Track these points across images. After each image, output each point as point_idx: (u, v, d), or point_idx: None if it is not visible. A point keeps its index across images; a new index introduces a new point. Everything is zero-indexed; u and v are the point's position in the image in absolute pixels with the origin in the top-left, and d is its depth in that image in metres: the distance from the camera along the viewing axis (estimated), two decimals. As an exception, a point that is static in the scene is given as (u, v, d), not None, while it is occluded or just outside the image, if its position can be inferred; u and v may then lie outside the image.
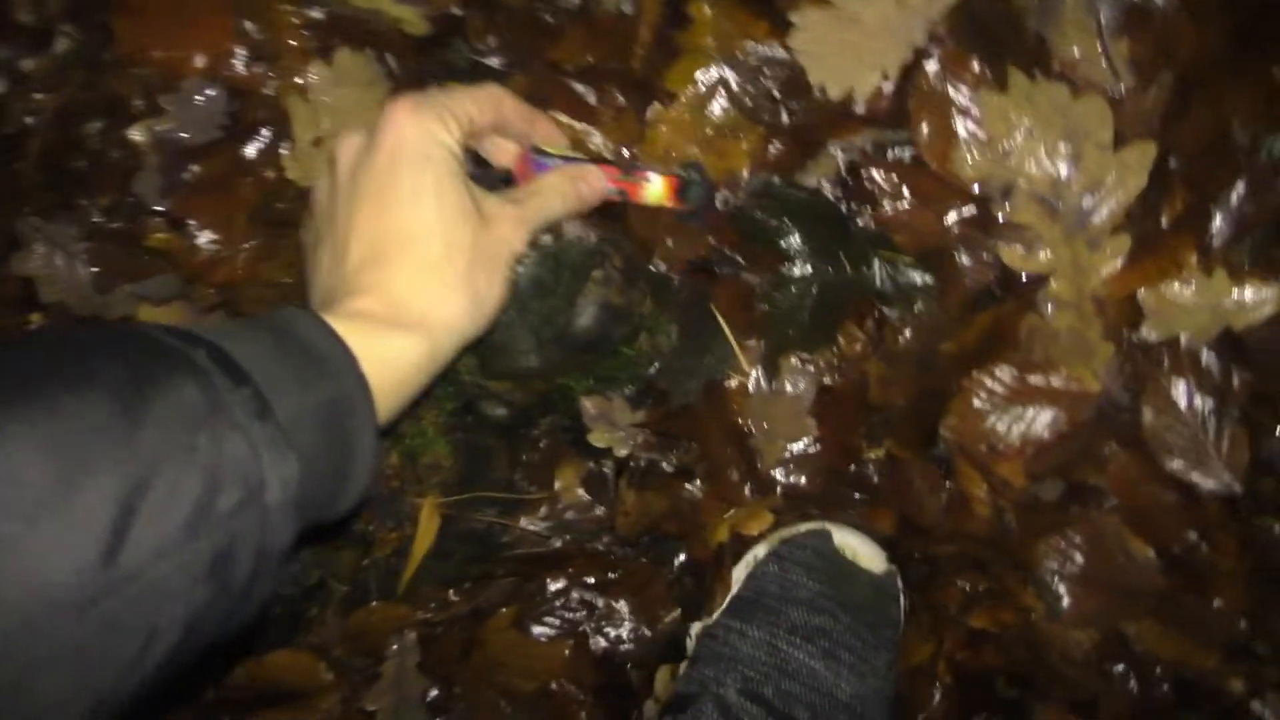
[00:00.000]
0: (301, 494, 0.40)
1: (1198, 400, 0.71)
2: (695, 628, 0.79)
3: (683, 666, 0.77)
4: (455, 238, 0.54)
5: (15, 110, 0.75)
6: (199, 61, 0.73)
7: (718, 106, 0.70)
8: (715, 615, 0.76)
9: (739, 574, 0.77)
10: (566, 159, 0.67)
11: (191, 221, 0.75)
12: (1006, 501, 0.73)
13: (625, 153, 0.71)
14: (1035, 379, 0.72)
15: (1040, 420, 0.73)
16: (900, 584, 0.78)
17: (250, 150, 0.75)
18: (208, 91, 0.74)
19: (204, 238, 0.75)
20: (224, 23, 0.72)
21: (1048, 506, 0.73)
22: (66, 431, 0.32)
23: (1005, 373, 0.72)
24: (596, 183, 0.65)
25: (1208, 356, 0.71)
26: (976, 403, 0.73)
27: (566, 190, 0.63)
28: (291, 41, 0.74)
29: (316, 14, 0.73)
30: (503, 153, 0.64)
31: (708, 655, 0.75)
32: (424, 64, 0.74)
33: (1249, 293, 0.68)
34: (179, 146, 0.74)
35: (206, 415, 0.37)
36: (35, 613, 0.31)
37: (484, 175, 0.66)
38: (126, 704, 0.36)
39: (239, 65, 0.74)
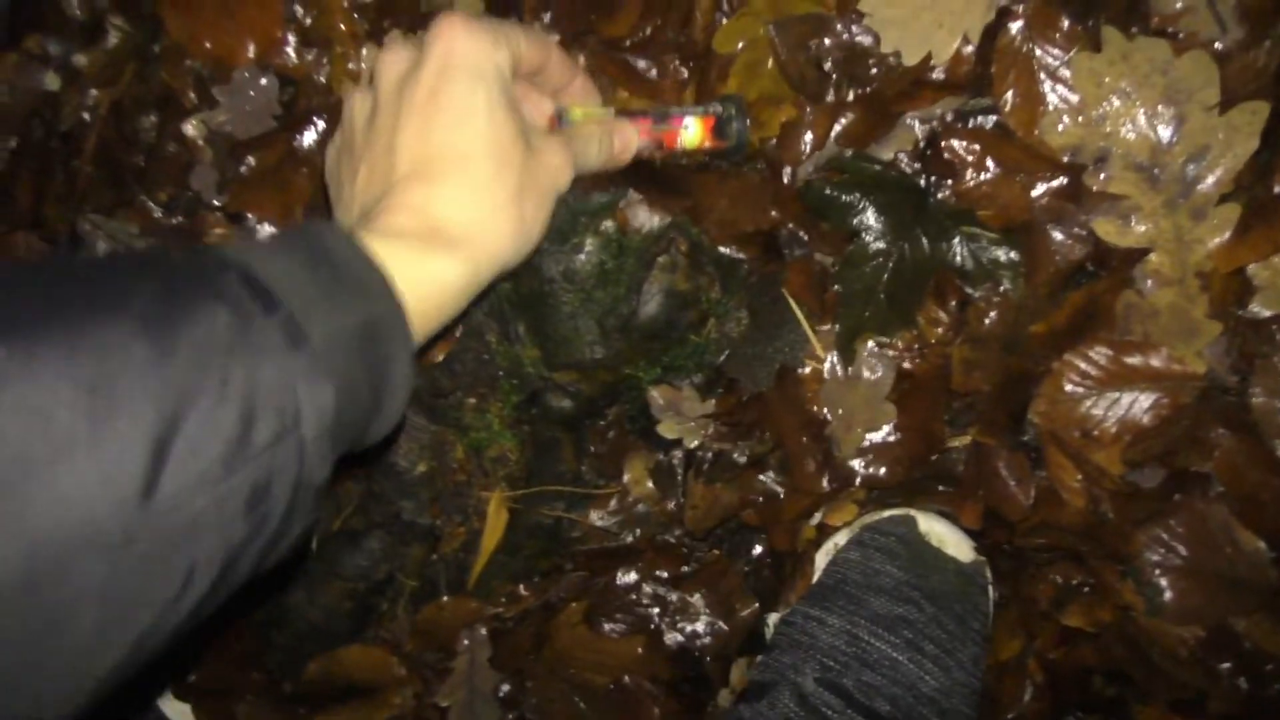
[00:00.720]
0: (338, 423, 0.39)
1: (1316, 383, 0.65)
2: (773, 617, 0.76)
3: (759, 656, 0.75)
4: (507, 158, 0.51)
5: (71, 107, 0.75)
6: (250, 50, 0.72)
7: (764, 73, 0.66)
8: (794, 604, 0.74)
9: (820, 561, 0.74)
10: (594, 118, 0.63)
11: (250, 215, 0.73)
12: (1102, 490, 0.69)
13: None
14: (1133, 359, 0.68)
15: (1139, 404, 0.68)
16: (989, 574, 0.74)
17: (305, 139, 0.73)
18: (261, 81, 0.72)
19: (263, 230, 0.74)
20: (273, 9, 0.71)
21: (1147, 495, 0.69)
22: (97, 360, 0.31)
23: (1100, 353, 0.68)
24: (630, 136, 0.62)
25: (1326, 333, 0.65)
26: (1069, 386, 0.68)
27: (604, 139, 0.60)
28: (342, 25, 0.71)
29: (366, -4, 0.70)
30: (537, 110, 0.61)
31: (785, 643, 0.72)
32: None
33: (1375, 263, 0.62)
34: (233, 139, 0.72)
35: (239, 343, 0.35)
36: (72, 551, 0.30)
37: None
38: (168, 639, 0.35)
39: (290, 53, 0.72)
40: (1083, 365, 0.68)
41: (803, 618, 0.72)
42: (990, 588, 0.74)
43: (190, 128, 0.71)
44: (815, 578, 0.74)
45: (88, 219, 0.76)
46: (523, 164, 0.51)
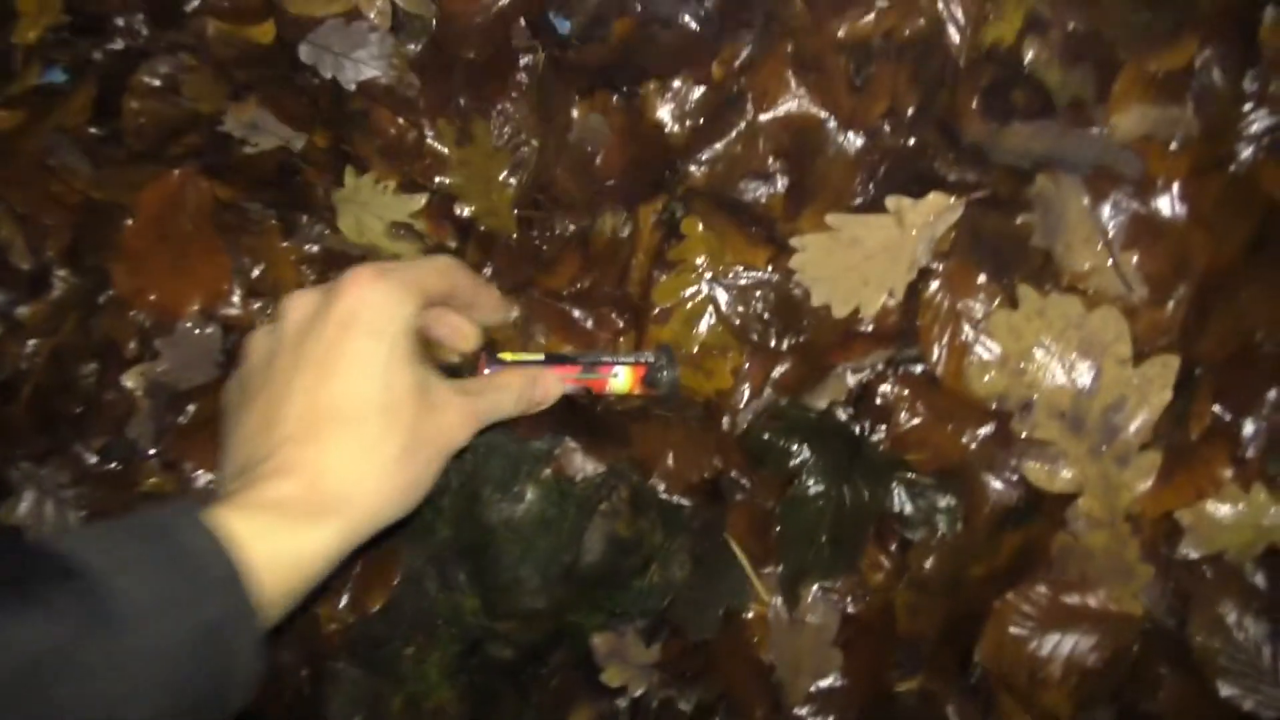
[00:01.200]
0: None
1: (1249, 622, 0.66)
2: None
3: None
4: (398, 417, 0.50)
5: (9, 355, 0.75)
6: (195, 302, 0.73)
7: (705, 325, 0.69)
8: None
9: None
10: (524, 364, 0.65)
11: (187, 463, 0.73)
12: (1053, 735, 0.68)
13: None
14: (1072, 600, 0.68)
15: (1082, 645, 0.68)
16: None
17: (245, 388, 0.73)
18: (205, 330, 0.73)
19: (200, 478, 0.73)
20: (223, 264, 0.72)
21: (1099, 740, 0.68)
22: None
23: (1041, 595, 0.68)
24: (552, 386, 0.63)
25: (1255, 574, 0.66)
26: (1013, 629, 0.68)
27: (522, 390, 0.60)
28: (288, 277, 0.73)
29: (314, 249, 0.72)
30: (458, 335, 0.62)
31: None
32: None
33: (1293, 507, 0.64)
34: (173, 390, 0.72)
35: (57, 663, 0.35)
36: None
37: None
38: None
39: (235, 303, 0.73)
40: (1025, 607, 0.68)
41: None
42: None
43: (129, 379, 0.71)
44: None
45: (18, 467, 0.75)
46: (415, 422, 0.51)
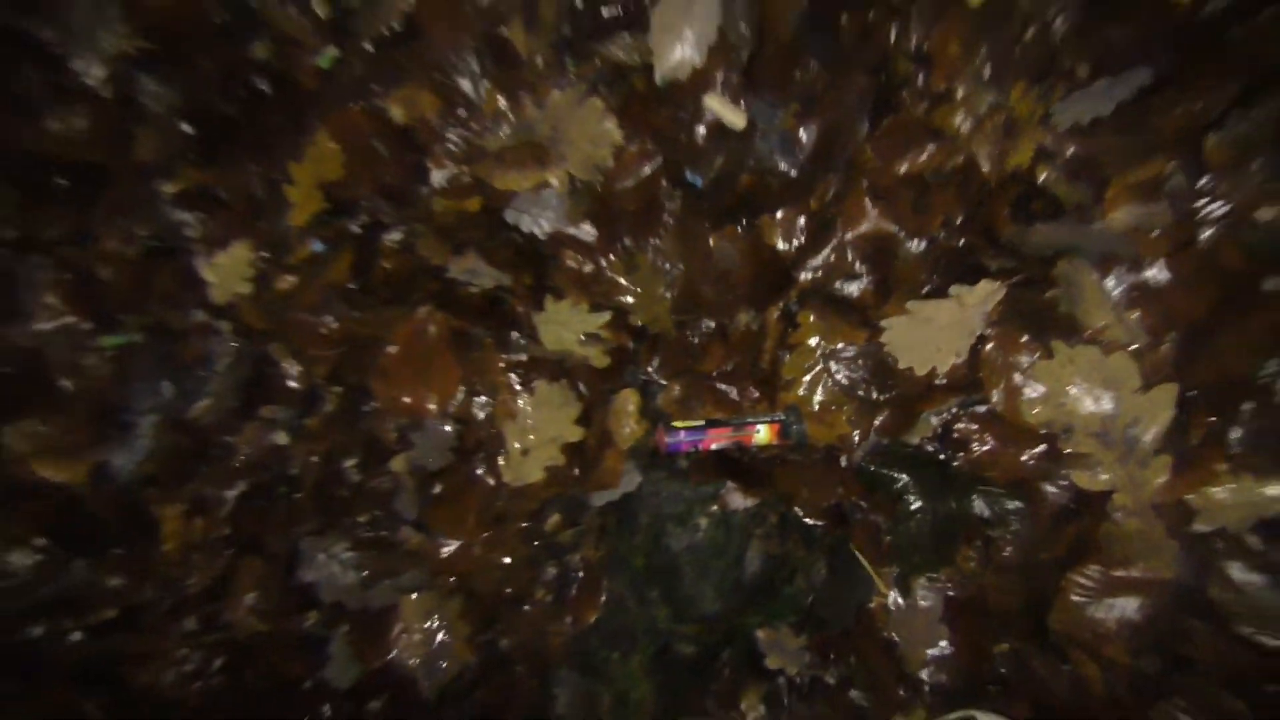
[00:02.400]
0: None
1: (1253, 575, 0.88)
2: None
3: None
4: None
5: (296, 455, 0.99)
6: (433, 404, 0.97)
7: (822, 389, 0.93)
8: None
9: None
10: (690, 429, 0.89)
11: (437, 527, 0.97)
12: (1117, 677, 0.90)
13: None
14: (1119, 573, 0.91)
15: (1130, 606, 0.90)
16: None
17: (475, 466, 0.97)
18: (443, 427, 0.97)
19: (447, 542, 0.97)
20: (453, 373, 0.97)
21: (1152, 678, 0.90)
22: None
23: (1095, 572, 0.91)
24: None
25: (1252, 539, 0.89)
26: (1075, 598, 0.91)
27: None
28: (502, 379, 0.97)
29: (521, 356, 0.97)
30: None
31: None
32: (606, 385, 0.97)
33: (1272, 488, 0.87)
34: (425, 471, 0.97)
35: None
36: None
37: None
38: None
39: (463, 402, 0.98)
40: (1084, 582, 0.91)
41: None
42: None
43: (396, 464, 0.96)
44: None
45: (306, 540, 0.99)
46: None
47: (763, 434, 0.90)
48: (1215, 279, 0.87)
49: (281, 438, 1.00)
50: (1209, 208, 0.87)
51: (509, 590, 0.97)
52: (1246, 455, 0.88)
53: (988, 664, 0.92)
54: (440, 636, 0.98)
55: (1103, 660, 0.90)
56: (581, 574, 0.96)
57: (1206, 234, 0.88)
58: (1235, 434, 0.88)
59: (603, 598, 0.95)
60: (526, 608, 0.97)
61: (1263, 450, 0.88)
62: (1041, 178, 0.91)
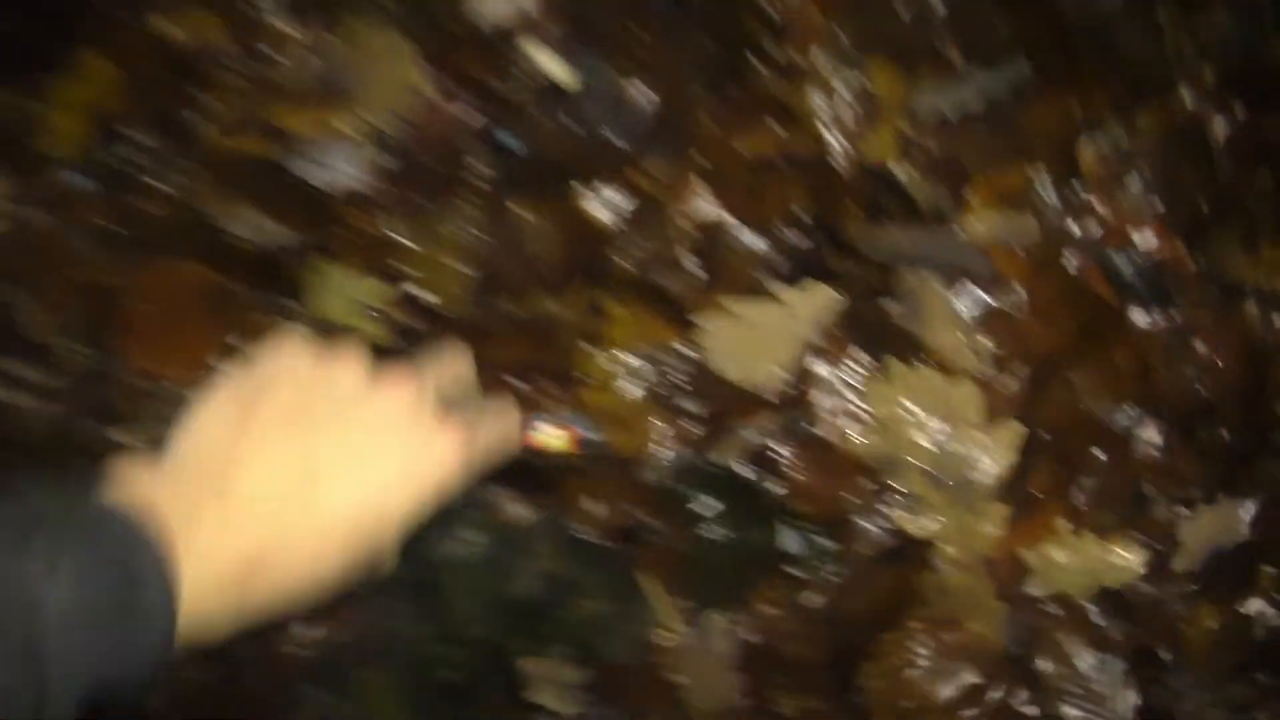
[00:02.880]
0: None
1: (1086, 652, 0.77)
2: None
3: None
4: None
5: (32, 417, 0.85)
6: (179, 371, 0.84)
7: (627, 392, 0.81)
8: None
9: None
10: None
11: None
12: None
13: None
14: (947, 636, 0.79)
15: (959, 676, 0.79)
16: None
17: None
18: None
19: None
20: (210, 340, 0.83)
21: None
22: None
23: (918, 628, 0.79)
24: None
25: (1092, 609, 0.78)
26: (895, 660, 0.79)
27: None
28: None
29: (297, 327, 0.84)
30: None
31: None
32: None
33: (1118, 554, 0.76)
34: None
35: None
36: None
37: None
38: None
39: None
40: (907, 641, 0.79)
41: None
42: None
43: (120, 433, 0.82)
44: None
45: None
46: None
47: (553, 437, 0.77)
48: (1078, 308, 0.76)
49: (23, 399, 0.86)
50: (1078, 225, 0.76)
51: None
52: (1093, 512, 0.77)
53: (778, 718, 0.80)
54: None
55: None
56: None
57: (1073, 256, 0.76)
58: (1083, 487, 0.77)
59: (351, 608, 0.82)
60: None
61: (1111, 508, 0.77)
62: (899, 175, 0.79)
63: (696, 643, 0.81)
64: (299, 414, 0.47)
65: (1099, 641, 0.77)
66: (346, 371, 0.49)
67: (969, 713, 0.80)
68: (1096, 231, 0.76)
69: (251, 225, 0.83)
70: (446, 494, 0.51)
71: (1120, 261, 0.74)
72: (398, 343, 0.83)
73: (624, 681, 0.82)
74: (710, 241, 0.81)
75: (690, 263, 0.81)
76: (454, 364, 0.62)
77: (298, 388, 0.48)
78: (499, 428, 0.59)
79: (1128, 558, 0.76)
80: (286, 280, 0.84)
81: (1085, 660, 0.78)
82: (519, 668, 0.83)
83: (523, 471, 0.78)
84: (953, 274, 0.77)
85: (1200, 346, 0.74)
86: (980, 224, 0.77)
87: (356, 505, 0.47)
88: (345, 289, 0.82)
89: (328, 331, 0.83)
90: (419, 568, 0.80)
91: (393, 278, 0.83)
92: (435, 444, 0.50)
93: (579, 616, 0.82)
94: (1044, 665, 0.78)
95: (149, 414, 0.83)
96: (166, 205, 0.83)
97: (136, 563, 0.39)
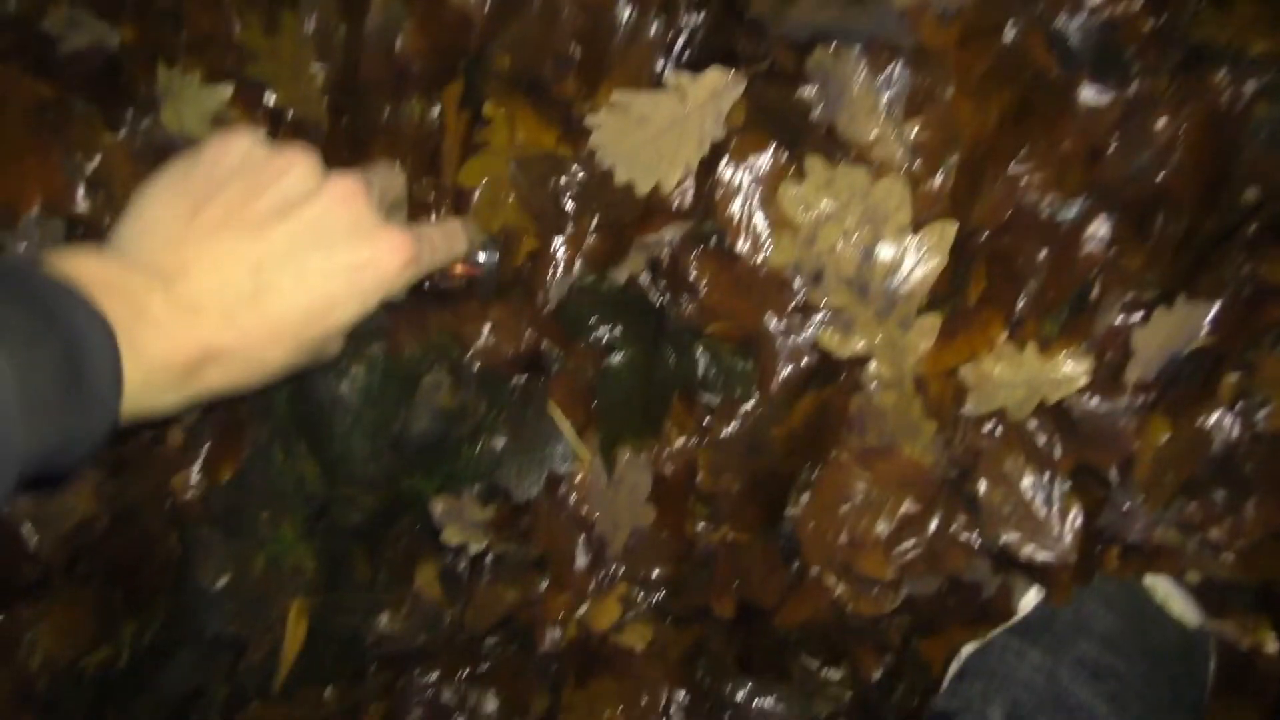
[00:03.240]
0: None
1: (1028, 472, 0.70)
2: (967, 649, 0.72)
3: (946, 682, 0.72)
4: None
5: None
6: (36, 198, 0.76)
7: (510, 203, 0.71)
8: (993, 633, 0.71)
9: (1030, 599, 0.72)
10: None
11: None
12: (868, 600, 0.73)
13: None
14: (882, 465, 0.72)
15: (897, 507, 0.72)
16: (1213, 646, 0.71)
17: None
18: (49, 224, 0.76)
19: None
20: (52, 160, 0.75)
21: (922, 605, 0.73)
22: None
23: (853, 459, 0.72)
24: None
25: (1033, 427, 0.70)
26: (826, 494, 0.73)
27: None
28: (125, 170, 0.76)
29: (141, 141, 0.75)
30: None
31: (977, 670, 0.69)
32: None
33: (1062, 365, 0.67)
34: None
35: None
36: None
37: None
38: None
39: (79, 199, 0.76)
40: (839, 476, 0.72)
41: (1001, 648, 0.69)
42: (1212, 661, 0.71)
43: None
44: (1022, 613, 0.71)
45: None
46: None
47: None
48: (1016, 83, 0.64)
49: None
50: (1022, -17, 0.63)
51: (140, 433, 0.79)
52: (1034, 320, 0.68)
53: (698, 554, 0.75)
54: (58, 482, 0.80)
55: (853, 576, 0.73)
56: (220, 417, 0.77)
57: (1013, 21, 0.64)
58: (1024, 292, 0.68)
59: (246, 449, 0.76)
60: (157, 452, 0.79)
61: (1054, 315, 0.68)
62: (811, -73, 0.66)
63: (610, 477, 0.74)
64: (248, 212, 0.48)
65: (1041, 461, 0.70)
66: (295, 169, 0.50)
67: (906, 545, 0.73)
68: (1044, -12, 0.63)
69: (75, 23, 0.73)
70: (390, 293, 0.53)
71: (1066, 24, 0.62)
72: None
73: (538, 518, 0.77)
74: (599, 24, 0.70)
75: (576, 52, 0.70)
76: (390, 177, 0.65)
77: (246, 185, 0.49)
78: (441, 234, 0.60)
79: (1073, 369, 0.67)
80: (130, 90, 0.74)
81: (1026, 481, 0.70)
82: (427, 508, 0.78)
83: (410, 299, 0.70)
84: (873, 48, 0.66)
85: (1158, 125, 0.63)
86: (907, -14, 0.65)
87: (305, 303, 0.48)
88: (184, 95, 0.72)
89: (177, 143, 0.74)
90: (302, 404, 0.74)
91: (243, 81, 0.73)
92: (380, 243, 0.51)
93: (484, 453, 0.76)
94: (983, 490, 0.71)
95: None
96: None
97: (84, 346, 0.39)
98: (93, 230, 0.77)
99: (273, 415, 0.76)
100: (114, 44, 0.73)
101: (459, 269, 0.71)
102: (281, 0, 0.71)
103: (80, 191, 0.77)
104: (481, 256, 0.71)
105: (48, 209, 0.76)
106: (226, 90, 0.71)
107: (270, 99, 0.72)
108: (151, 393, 0.45)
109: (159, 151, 0.75)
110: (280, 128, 0.73)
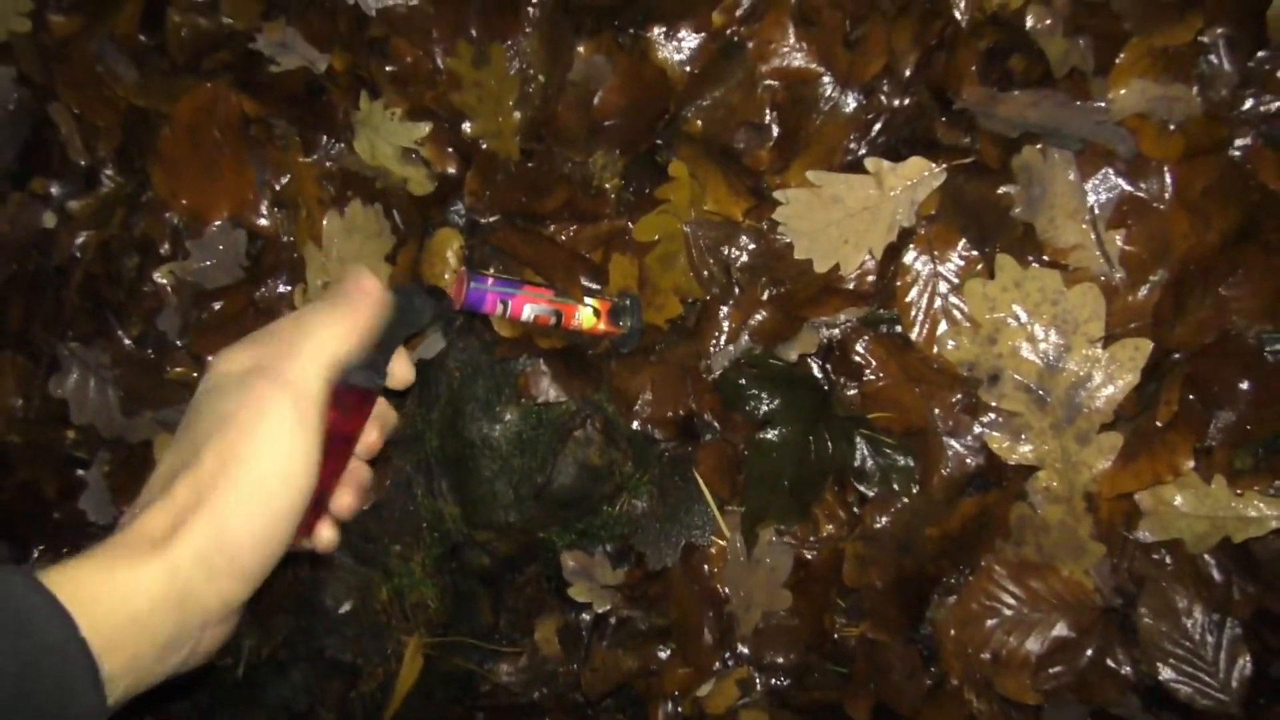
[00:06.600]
0: None
1: (1197, 610, 0.66)
2: None
3: None
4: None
5: (63, 244, 0.82)
6: (224, 209, 0.78)
7: (678, 265, 0.71)
8: None
9: None
10: (503, 280, 0.68)
11: (209, 357, 0.79)
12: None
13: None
14: (1035, 584, 0.69)
15: (1047, 627, 0.69)
16: None
17: (265, 291, 0.78)
18: (231, 235, 0.78)
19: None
20: (248, 175, 0.77)
21: None
22: None
23: (1007, 574, 0.69)
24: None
25: (1210, 564, 0.66)
26: (974, 605, 0.70)
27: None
28: (310, 192, 0.77)
29: (332, 167, 0.76)
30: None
31: None
32: (424, 219, 0.76)
33: (1253, 504, 0.63)
34: (199, 288, 0.78)
35: None
36: None
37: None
38: None
39: (263, 211, 0.78)
40: (988, 583, 0.69)
41: None
42: None
43: (160, 275, 0.77)
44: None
45: (68, 346, 0.82)
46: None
47: (589, 312, 0.69)
48: (1240, 203, 0.61)
49: (49, 219, 0.82)
50: (1254, 102, 0.61)
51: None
52: (1227, 452, 0.64)
53: (831, 644, 0.72)
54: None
55: (993, 695, 0.70)
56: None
57: (1244, 138, 0.61)
58: (1219, 421, 0.64)
59: (388, 479, 0.77)
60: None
61: (1249, 450, 0.64)
62: (1030, 24, 0.64)
63: (749, 554, 0.72)
64: None
65: (1214, 600, 0.65)
66: None
67: (1055, 669, 0.69)
68: (1275, 107, 0.60)
69: (286, 46, 0.75)
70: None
71: (1304, 149, 0.59)
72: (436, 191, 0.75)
73: (669, 586, 0.75)
74: (799, 99, 0.69)
75: (773, 121, 0.70)
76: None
77: None
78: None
79: (1265, 510, 0.63)
80: (329, 116, 0.76)
81: (1195, 619, 0.66)
82: (558, 561, 0.77)
83: (564, 351, 0.70)
84: (1086, 153, 0.64)
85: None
86: (1129, 92, 0.63)
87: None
88: (382, 127, 0.74)
89: (365, 173, 0.75)
90: (452, 442, 0.74)
91: (438, 117, 0.74)
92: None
93: (625, 513, 0.75)
94: (1146, 621, 0.67)
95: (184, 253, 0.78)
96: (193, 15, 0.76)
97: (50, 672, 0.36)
98: (271, 245, 0.79)
99: (420, 449, 0.76)
100: (320, 69, 0.75)
101: (601, 328, 0.71)
102: (493, 34, 0.72)
103: (264, 207, 0.78)
104: (625, 317, 0.70)
105: (233, 221, 0.78)
106: (425, 127, 0.72)
107: (468, 127, 0.73)
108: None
109: (346, 180, 0.76)
110: (471, 163, 0.73)
